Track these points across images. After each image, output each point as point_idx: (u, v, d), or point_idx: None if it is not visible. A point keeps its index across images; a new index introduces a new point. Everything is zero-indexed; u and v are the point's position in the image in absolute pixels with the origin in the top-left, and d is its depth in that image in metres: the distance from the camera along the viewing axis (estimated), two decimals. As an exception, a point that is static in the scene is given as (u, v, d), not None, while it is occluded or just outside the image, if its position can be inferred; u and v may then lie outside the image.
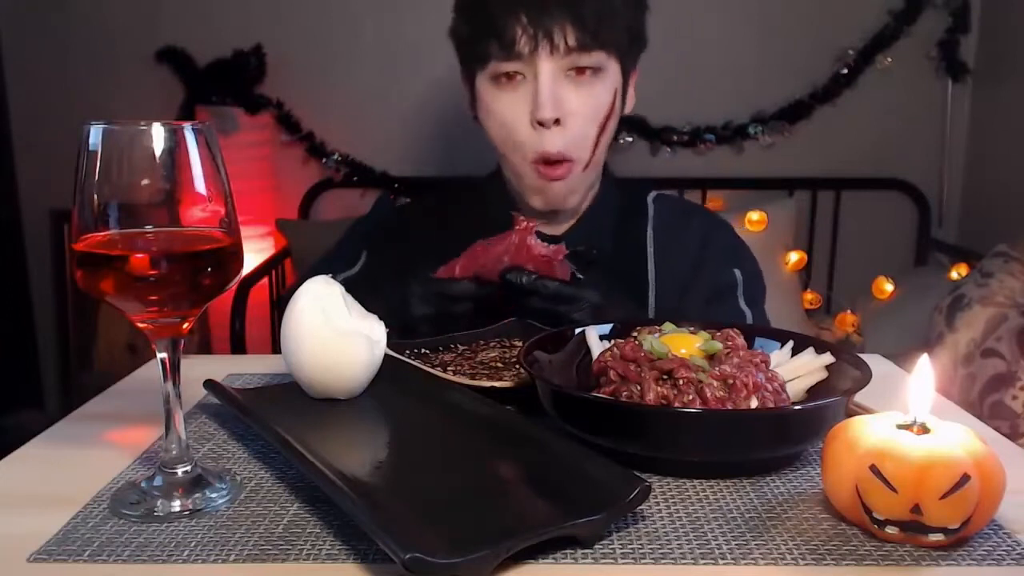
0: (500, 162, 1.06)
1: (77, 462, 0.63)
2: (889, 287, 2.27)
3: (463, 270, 0.89)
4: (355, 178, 2.40)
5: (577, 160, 1.00)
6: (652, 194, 1.15)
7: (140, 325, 0.54)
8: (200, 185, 0.52)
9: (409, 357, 0.78)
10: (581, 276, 0.91)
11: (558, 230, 1.08)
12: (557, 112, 0.96)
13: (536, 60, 0.95)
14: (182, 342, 0.56)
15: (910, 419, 0.51)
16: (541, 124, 0.96)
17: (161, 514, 0.53)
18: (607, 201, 1.10)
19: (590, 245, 1.04)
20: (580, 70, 0.97)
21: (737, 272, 1.08)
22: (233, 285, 0.56)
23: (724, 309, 1.03)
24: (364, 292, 0.74)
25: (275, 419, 0.61)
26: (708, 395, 0.59)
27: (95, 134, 0.51)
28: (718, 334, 0.67)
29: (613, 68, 0.99)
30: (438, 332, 0.86)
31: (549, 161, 0.98)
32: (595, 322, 0.77)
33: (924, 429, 0.51)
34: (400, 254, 1.07)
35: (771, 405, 0.61)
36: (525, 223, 0.89)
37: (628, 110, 1.07)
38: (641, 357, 0.63)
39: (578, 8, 0.94)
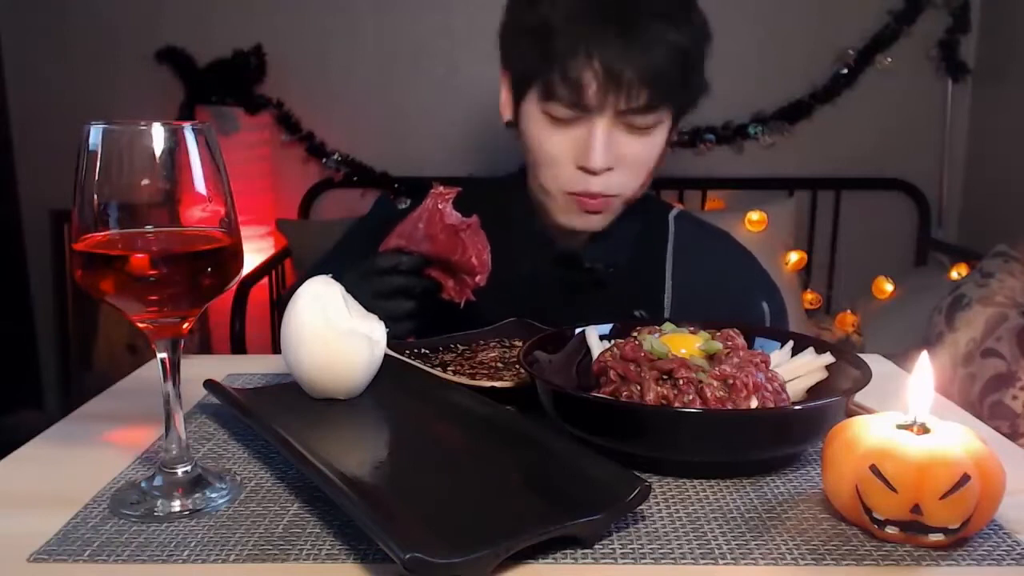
0: (531, 173, 1.03)
1: (77, 462, 0.63)
2: (889, 287, 2.27)
3: (387, 243, 0.88)
4: (355, 178, 2.41)
5: (619, 196, 0.98)
6: (674, 212, 1.13)
7: (140, 325, 0.54)
8: (200, 185, 0.52)
9: (409, 357, 0.78)
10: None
11: (576, 243, 1.06)
12: (608, 163, 0.93)
13: (599, 110, 0.91)
14: (182, 342, 0.56)
15: (910, 419, 0.51)
16: (589, 172, 0.94)
17: (161, 514, 0.53)
18: (629, 218, 1.06)
19: (606, 262, 1.03)
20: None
21: (765, 306, 1.06)
22: (233, 285, 0.56)
23: None
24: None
25: (275, 419, 0.61)
26: (708, 395, 0.59)
27: (95, 134, 0.51)
28: (718, 334, 0.67)
29: (668, 117, 0.96)
30: (387, 315, 0.85)
31: (591, 195, 0.96)
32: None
33: (924, 429, 0.51)
34: None
35: (771, 405, 0.61)
36: (441, 189, 0.86)
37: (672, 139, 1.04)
38: (641, 357, 0.63)
39: (653, 66, 0.89)
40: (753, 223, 2.24)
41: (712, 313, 1.00)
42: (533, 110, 0.96)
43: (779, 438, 0.59)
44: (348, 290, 0.69)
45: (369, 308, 0.71)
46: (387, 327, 0.70)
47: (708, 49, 0.98)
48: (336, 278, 0.69)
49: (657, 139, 0.96)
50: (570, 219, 1.00)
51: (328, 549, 0.50)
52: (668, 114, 0.96)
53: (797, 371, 0.67)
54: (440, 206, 0.85)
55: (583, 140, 0.93)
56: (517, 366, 0.77)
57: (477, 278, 0.85)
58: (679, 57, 0.91)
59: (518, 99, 0.99)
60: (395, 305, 0.87)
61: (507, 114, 1.03)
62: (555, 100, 0.92)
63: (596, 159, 0.92)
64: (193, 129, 0.52)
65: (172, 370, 0.56)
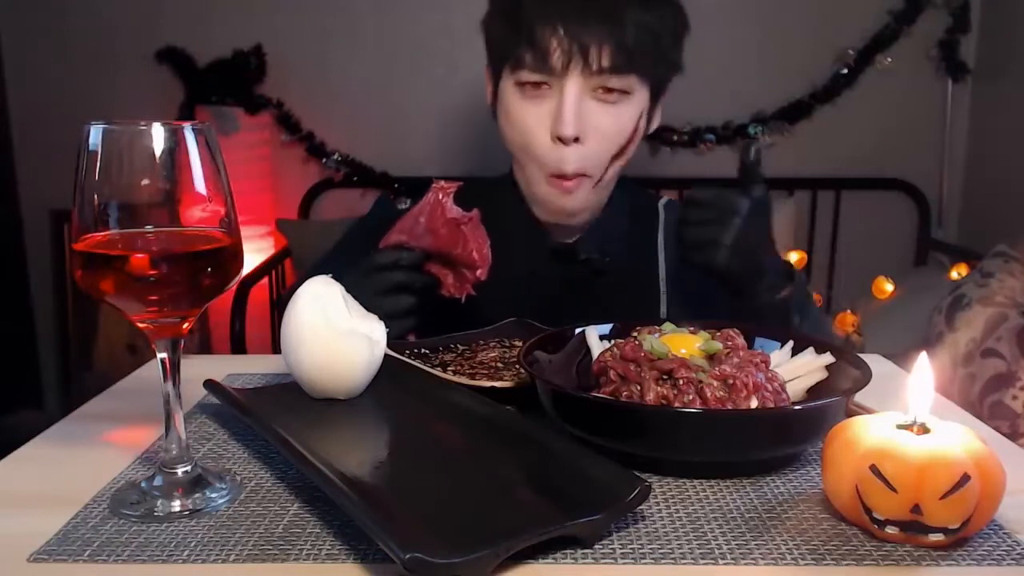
0: (514, 163, 1.05)
1: (77, 462, 0.63)
2: (889, 287, 2.27)
3: (387, 238, 0.88)
4: (355, 178, 2.41)
5: (590, 176, 0.98)
6: (663, 200, 1.14)
7: (140, 325, 0.54)
8: (200, 185, 0.52)
9: (409, 357, 0.78)
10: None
11: (570, 237, 1.07)
12: (578, 130, 0.94)
13: (566, 75, 0.93)
14: (182, 342, 0.56)
15: (910, 419, 0.51)
16: (560, 140, 0.95)
17: (161, 514, 0.53)
18: (619, 208, 1.09)
19: (601, 252, 1.04)
20: (608, 90, 0.95)
21: None
22: (233, 285, 0.56)
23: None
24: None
25: (275, 419, 0.61)
26: (708, 395, 0.59)
27: (95, 134, 0.51)
28: (718, 334, 0.67)
29: (642, 92, 0.97)
30: (387, 312, 0.85)
31: (565, 176, 0.97)
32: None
33: (924, 429, 0.51)
34: None
35: (771, 405, 0.61)
36: (442, 183, 0.86)
37: (651, 129, 1.05)
38: (641, 357, 0.63)
39: (619, 29, 0.92)
40: (753, 223, 2.24)
41: (709, 292, 1.01)
42: (508, 86, 0.98)
43: (779, 438, 0.59)
44: (349, 289, 0.69)
45: (369, 306, 0.71)
46: (388, 325, 0.70)
47: (681, 33, 1.01)
48: (336, 278, 0.69)
49: (627, 112, 0.97)
50: (547, 206, 1.01)
51: (328, 549, 0.50)
52: (640, 88, 0.97)
53: (797, 371, 0.67)
54: (442, 199, 0.85)
55: (555, 110, 0.95)
56: (517, 366, 0.77)
57: (478, 272, 0.86)
58: (644, 29, 0.93)
59: (496, 81, 1.01)
60: (395, 302, 0.86)
61: (491, 104, 1.05)
62: (524, 68, 0.95)
63: (567, 124, 0.93)
64: (193, 129, 0.52)
65: (172, 370, 0.56)
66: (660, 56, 0.97)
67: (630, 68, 0.93)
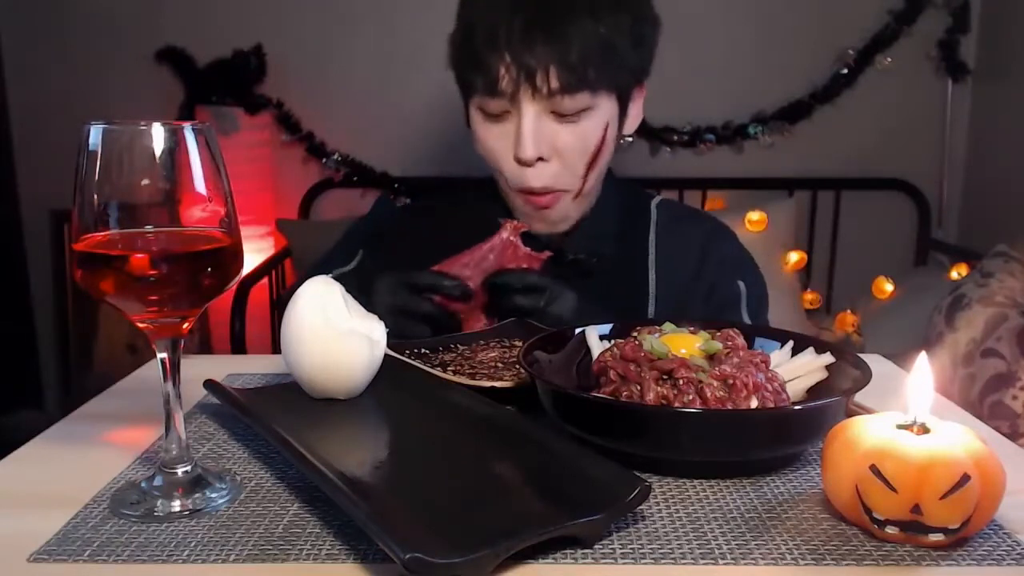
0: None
1: (77, 462, 0.63)
2: (889, 287, 2.27)
3: (449, 267, 0.91)
4: (355, 178, 2.41)
5: (565, 190, 0.98)
6: (656, 199, 1.14)
7: (140, 325, 0.54)
8: (200, 185, 0.52)
9: (409, 357, 0.78)
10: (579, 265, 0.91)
11: (557, 236, 1.07)
12: (539, 152, 0.94)
13: (518, 99, 0.93)
14: (182, 342, 0.56)
15: (910, 419, 0.51)
16: (523, 163, 0.96)
17: (161, 514, 0.53)
18: (609, 206, 1.08)
19: (590, 252, 1.04)
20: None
21: (741, 284, 1.06)
22: (233, 285, 0.56)
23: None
24: (353, 290, 0.74)
25: (275, 419, 0.61)
26: (708, 395, 0.59)
27: (95, 134, 0.51)
28: (718, 334, 0.67)
29: (605, 102, 0.96)
30: (400, 329, 0.86)
31: (534, 192, 0.98)
32: (579, 320, 0.78)
33: (924, 429, 0.51)
34: (397, 258, 1.06)
35: (771, 405, 0.61)
36: (514, 223, 0.90)
37: (631, 130, 1.04)
38: (641, 357, 0.63)
39: (563, 49, 0.90)
40: (753, 223, 2.24)
41: (691, 295, 1.03)
42: (473, 110, 0.99)
43: (779, 438, 0.59)
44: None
45: (377, 314, 0.71)
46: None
47: (647, 34, 0.99)
48: (336, 278, 0.69)
49: (591, 126, 0.96)
50: (529, 220, 1.02)
51: (328, 549, 0.50)
52: (602, 99, 0.96)
53: (797, 371, 0.67)
54: (513, 239, 0.90)
55: (515, 132, 0.95)
56: (517, 366, 0.77)
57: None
58: (594, 43, 0.92)
59: (466, 106, 1.02)
60: (411, 326, 0.87)
61: (468, 124, 1.05)
62: (479, 94, 0.96)
63: (525, 147, 0.93)
64: (193, 129, 0.52)
65: (172, 370, 0.56)
66: (618, 65, 0.95)
67: (581, 86, 0.92)
